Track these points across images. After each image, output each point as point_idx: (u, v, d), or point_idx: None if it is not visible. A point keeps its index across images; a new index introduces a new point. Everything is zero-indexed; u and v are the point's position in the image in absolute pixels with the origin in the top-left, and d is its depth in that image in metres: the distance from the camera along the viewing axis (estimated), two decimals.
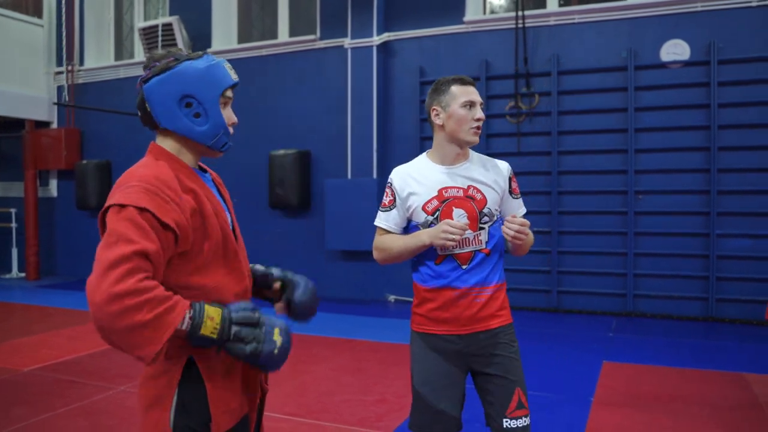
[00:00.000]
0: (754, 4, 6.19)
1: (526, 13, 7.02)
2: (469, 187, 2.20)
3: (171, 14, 8.98)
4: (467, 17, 7.38)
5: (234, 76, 1.67)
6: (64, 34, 9.85)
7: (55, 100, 9.93)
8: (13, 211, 10.08)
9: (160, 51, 1.65)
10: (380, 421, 3.76)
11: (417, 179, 2.22)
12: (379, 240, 2.31)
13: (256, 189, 8.49)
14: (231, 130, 1.69)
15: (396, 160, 7.67)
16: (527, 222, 2.11)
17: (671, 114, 6.52)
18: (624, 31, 6.71)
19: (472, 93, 2.19)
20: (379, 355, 5.28)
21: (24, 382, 4.51)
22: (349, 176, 7.82)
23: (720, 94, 6.28)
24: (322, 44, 8.13)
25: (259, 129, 8.51)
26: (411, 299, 7.68)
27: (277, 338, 1.55)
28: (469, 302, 2.17)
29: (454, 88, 2.19)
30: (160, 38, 8.64)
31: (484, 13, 7.70)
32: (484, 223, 2.19)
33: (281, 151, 8.11)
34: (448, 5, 7.46)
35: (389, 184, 2.28)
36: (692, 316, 6.44)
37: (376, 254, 2.33)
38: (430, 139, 7.36)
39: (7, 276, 10.12)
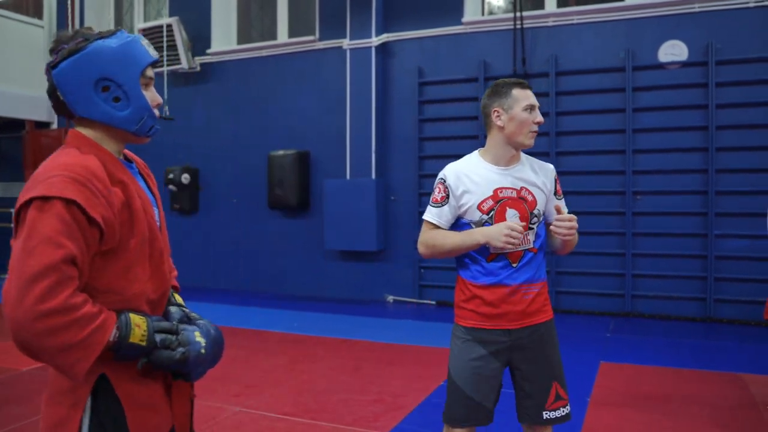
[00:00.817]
0: (751, 4, 6.20)
1: (525, 13, 7.03)
2: (521, 188, 2.28)
3: (171, 15, 9.00)
4: (466, 18, 7.39)
5: (153, 53, 1.53)
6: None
7: None
8: (12, 211, 10.07)
9: (67, 32, 1.48)
10: (377, 421, 3.77)
11: (472, 178, 2.27)
12: (429, 235, 2.33)
13: (255, 189, 8.51)
14: (157, 112, 1.55)
15: (395, 160, 7.71)
16: (574, 217, 2.20)
17: (669, 114, 6.53)
18: (622, 31, 6.72)
19: (531, 97, 2.27)
20: (376, 355, 5.28)
21: (23, 381, 4.52)
22: (348, 177, 7.83)
23: (718, 94, 6.29)
24: (321, 45, 8.15)
25: (258, 129, 8.54)
26: (408, 299, 7.65)
27: (200, 339, 1.47)
28: (519, 298, 2.26)
29: (516, 92, 2.25)
30: (163, 39, 8.64)
31: (483, 14, 7.71)
32: (533, 223, 2.29)
33: (280, 152, 8.12)
34: (446, 6, 7.47)
35: (442, 181, 2.31)
36: (690, 316, 6.44)
37: (423, 249, 2.35)
38: (429, 139, 7.46)
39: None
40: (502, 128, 2.26)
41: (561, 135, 6.92)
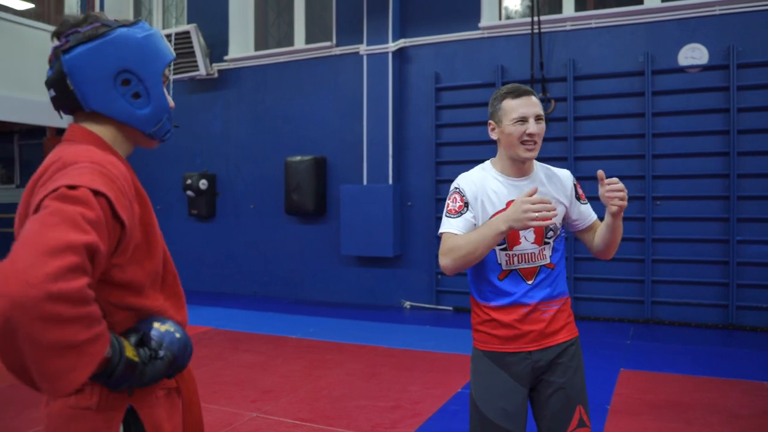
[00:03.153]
0: None
1: (542, 18, 6.99)
2: None
3: (189, 22, 9.09)
4: (483, 23, 7.37)
5: (172, 51, 1.43)
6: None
7: None
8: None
9: (76, 15, 1.32)
10: (395, 428, 3.75)
11: (487, 190, 2.14)
12: (446, 243, 2.09)
13: (272, 195, 8.54)
14: None
15: (411, 166, 7.70)
16: (617, 180, 2.01)
17: (690, 119, 6.45)
18: (641, 35, 6.66)
19: (522, 106, 2.08)
20: (394, 361, 5.26)
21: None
22: (365, 182, 7.83)
23: (740, 98, 6.20)
24: (337, 51, 8.17)
25: (275, 135, 8.57)
26: (425, 305, 7.61)
27: (166, 327, 1.26)
28: (537, 318, 2.12)
29: (505, 103, 2.11)
30: (177, 45, 8.72)
31: (500, 18, 7.69)
32: (549, 237, 2.15)
33: (297, 157, 8.15)
34: (463, 11, 7.46)
35: (457, 190, 2.16)
36: (712, 323, 6.35)
37: (445, 260, 2.08)
38: (446, 145, 7.46)
39: None
40: (498, 141, 2.17)
41: (579, 140, 6.86)
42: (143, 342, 1.22)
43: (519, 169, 2.16)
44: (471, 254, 2.03)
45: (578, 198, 2.23)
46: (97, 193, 1.11)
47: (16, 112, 9.27)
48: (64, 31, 1.29)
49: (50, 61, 1.31)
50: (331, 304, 7.93)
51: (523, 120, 2.07)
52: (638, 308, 6.64)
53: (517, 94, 2.09)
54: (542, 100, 6.99)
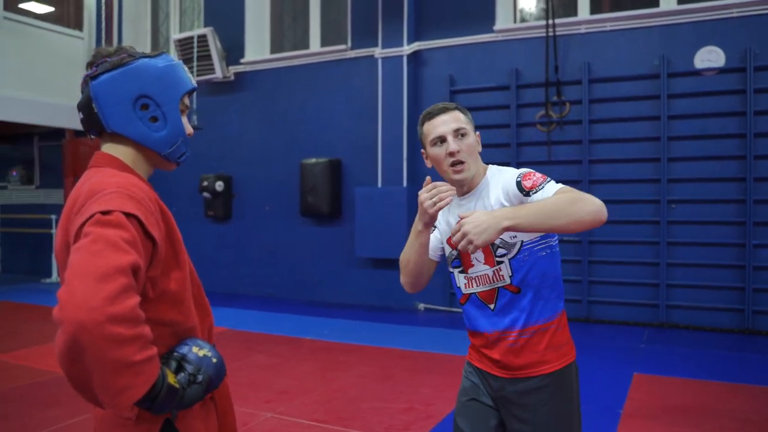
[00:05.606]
0: None
1: (557, 21, 6.99)
2: None
3: (205, 26, 9.18)
4: (498, 26, 7.38)
5: (193, 82, 1.52)
6: (103, 45, 10.13)
7: None
8: (53, 217, 10.38)
9: (109, 47, 1.45)
10: (408, 430, 3.77)
11: (445, 208, 1.94)
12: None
13: (287, 197, 8.60)
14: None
15: (426, 168, 7.70)
16: (436, 184, 1.80)
17: (705, 122, 6.41)
18: (657, 38, 6.63)
19: (438, 126, 1.89)
20: (407, 363, 5.29)
21: (62, 384, 4.63)
22: (380, 184, 7.87)
23: (756, 101, 6.16)
24: (353, 54, 8.21)
25: (290, 138, 8.64)
26: (439, 307, 7.59)
27: (203, 352, 1.36)
28: (503, 348, 1.88)
29: (424, 128, 1.94)
30: (195, 49, 8.82)
31: (515, 21, 7.69)
32: (500, 256, 1.86)
33: (312, 160, 8.20)
34: (478, 14, 7.47)
35: None
36: (727, 328, 6.30)
37: (401, 278, 2.09)
38: None
39: (47, 281, 10.40)
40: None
41: (594, 143, 6.84)
42: (181, 367, 1.31)
43: (466, 185, 1.94)
44: (407, 265, 1.98)
45: (526, 193, 1.80)
46: (128, 215, 1.23)
47: (35, 115, 9.42)
48: (95, 61, 1.42)
49: (82, 87, 1.43)
50: (345, 306, 7.97)
51: (441, 140, 1.89)
52: (653, 312, 6.61)
53: (432, 115, 1.92)
54: (557, 103, 6.98)
